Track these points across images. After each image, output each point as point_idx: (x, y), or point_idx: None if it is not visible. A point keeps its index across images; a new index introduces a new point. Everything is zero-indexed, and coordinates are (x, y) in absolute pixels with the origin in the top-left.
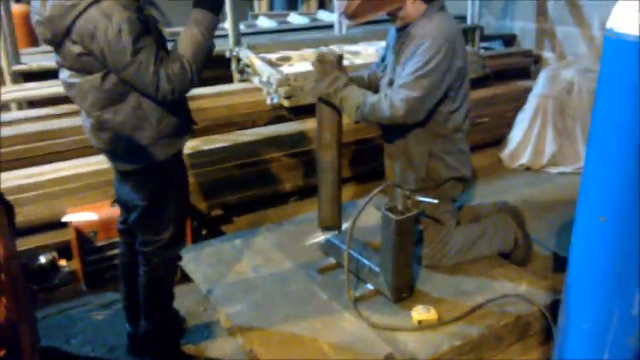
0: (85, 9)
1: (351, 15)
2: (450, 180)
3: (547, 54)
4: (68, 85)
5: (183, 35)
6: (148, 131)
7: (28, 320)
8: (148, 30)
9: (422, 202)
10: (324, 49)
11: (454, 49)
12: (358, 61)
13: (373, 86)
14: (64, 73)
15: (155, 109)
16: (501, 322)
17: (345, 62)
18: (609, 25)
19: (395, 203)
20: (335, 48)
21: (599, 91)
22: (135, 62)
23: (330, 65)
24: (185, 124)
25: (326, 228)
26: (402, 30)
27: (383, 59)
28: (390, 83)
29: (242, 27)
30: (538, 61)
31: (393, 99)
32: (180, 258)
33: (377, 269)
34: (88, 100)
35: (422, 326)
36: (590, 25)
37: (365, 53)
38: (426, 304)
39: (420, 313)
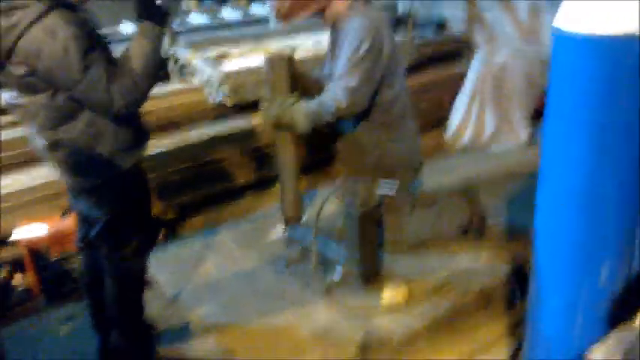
0: (27, 28)
1: (282, 16)
2: (401, 168)
3: (477, 37)
4: (14, 106)
5: (132, 47)
6: (104, 146)
7: None
8: (94, 44)
9: (381, 193)
10: (261, 44)
11: (380, 32)
12: (298, 54)
13: (321, 85)
14: (8, 94)
15: (109, 124)
16: (467, 296)
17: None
18: (556, 24)
19: (355, 195)
20: (272, 42)
21: (551, 89)
22: (85, 79)
23: (281, 69)
24: (141, 133)
25: (288, 220)
26: (333, 27)
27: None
28: (329, 77)
29: (175, 25)
30: (469, 45)
31: (334, 92)
32: (147, 266)
33: (343, 258)
34: (37, 121)
35: (393, 308)
36: (516, 9)
37: (303, 47)
38: (394, 285)
39: (389, 295)
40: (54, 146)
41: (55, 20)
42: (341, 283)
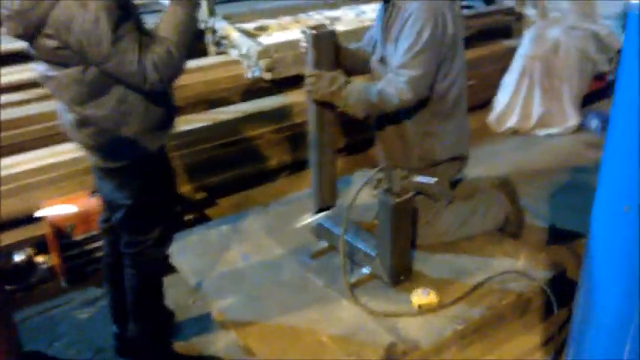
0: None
1: None
2: (446, 160)
3: (529, 11)
4: (46, 79)
5: (166, 17)
6: (133, 125)
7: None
8: (127, 15)
9: (419, 183)
10: (302, 15)
11: (443, 16)
12: (340, 27)
13: (361, 59)
14: (41, 66)
15: (141, 102)
16: (503, 301)
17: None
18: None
19: (391, 184)
20: (314, 14)
21: (621, 74)
22: (116, 53)
23: (328, 37)
24: (170, 114)
25: (319, 208)
26: (388, 2)
27: (372, 36)
28: (381, 60)
29: None
30: (520, 18)
31: (397, 83)
32: (168, 257)
33: (373, 253)
34: (68, 95)
35: (422, 311)
36: None
37: (346, 19)
38: (425, 286)
39: (419, 297)
40: (82, 123)
41: None
42: (368, 279)
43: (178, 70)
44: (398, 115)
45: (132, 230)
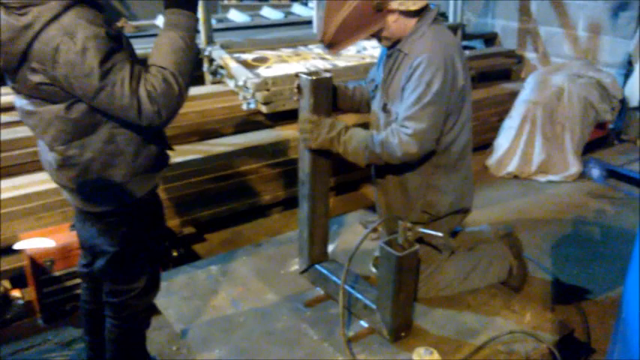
0: (42, 28)
1: (329, 44)
2: (449, 214)
3: (530, 54)
4: (26, 114)
5: (161, 43)
6: (121, 168)
7: None
8: (118, 46)
9: (425, 233)
10: (302, 48)
11: (454, 66)
12: (340, 63)
13: (357, 100)
14: (22, 100)
15: (131, 141)
16: None
17: (327, 64)
18: None
19: (394, 236)
20: (314, 47)
21: None
22: (107, 85)
23: (324, 84)
24: (163, 154)
25: (311, 254)
26: (392, 48)
27: (372, 79)
28: (384, 108)
29: (213, 22)
30: (520, 61)
31: (400, 135)
32: (153, 306)
33: (373, 306)
34: (50, 132)
35: None
36: (574, 26)
37: (346, 54)
38: (427, 343)
39: (421, 356)
40: (64, 164)
41: (74, 18)
42: (367, 333)
43: (178, 102)
44: (400, 166)
45: (115, 279)
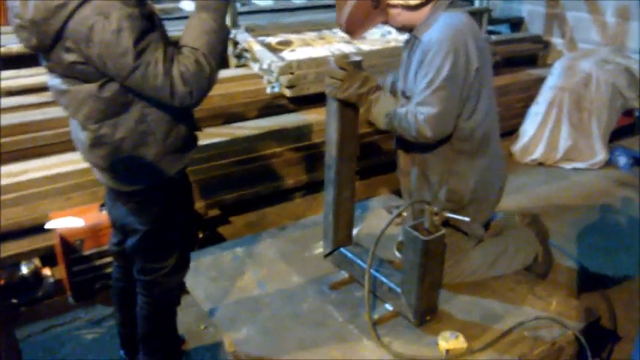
0: (76, 8)
1: (347, 31)
2: (475, 205)
3: (556, 40)
4: (59, 93)
5: (192, 24)
6: (152, 147)
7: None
8: (152, 26)
9: (451, 218)
10: (326, 32)
11: (466, 49)
12: (364, 47)
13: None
14: (55, 80)
15: (162, 121)
16: (535, 350)
17: (352, 48)
18: None
19: (420, 220)
20: (338, 31)
21: None
22: (140, 65)
23: (356, 66)
24: (192, 135)
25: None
26: (410, 34)
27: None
28: (403, 94)
29: (237, 5)
30: (546, 47)
31: (417, 118)
32: (184, 284)
33: (398, 289)
34: (82, 111)
35: (450, 356)
36: (602, 11)
37: (371, 38)
38: (452, 328)
39: (447, 340)
40: (96, 143)
41: None
42: (392, 316)
43: (209, 83)
44: (423, 154)
45: (147, 257)
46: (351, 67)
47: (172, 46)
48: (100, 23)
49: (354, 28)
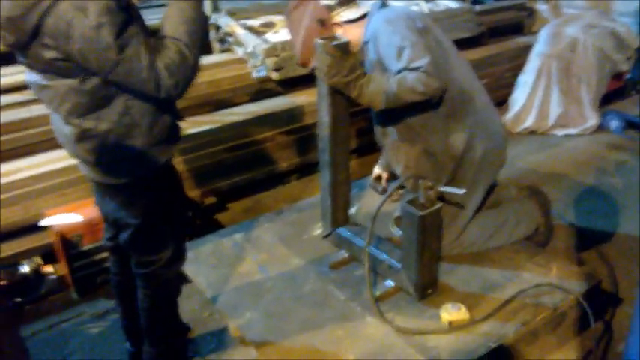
0: (53, 4)
1: (302, 64)
2: (474, 172)
3: (541, 6)
4: (40, 88)
5: (171, 14)
6: (138, 139)
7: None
8: (131, 18)
9: (446, 192)
10: None
11: (404, 17)
12: None
13: None
14: (34, 76)
15: (146, 113)
16: (537, 316)
17: None
18: None
19: (415, 195)
20: None
21: None
22: (124, 60)
23: (342, 50)
24: (176, 125)
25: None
26: (362, 51)
27: None
28: None
29: None
30: (532, 14)
31: (417, 74)
32: (183, 274)
33: (398, 265)
34: (65, 106)
35: (453, 328)
36: None
37: None
38: (453, 300)
39: (449, 312)
40: (81, 136)
41: None
42: (393, 292)
43: (193, 72)
44: (418, 135)
45: (142, 250)
46: (339, 52)
47: (152, 37)
48: (79, 19)
49: (308, 56)
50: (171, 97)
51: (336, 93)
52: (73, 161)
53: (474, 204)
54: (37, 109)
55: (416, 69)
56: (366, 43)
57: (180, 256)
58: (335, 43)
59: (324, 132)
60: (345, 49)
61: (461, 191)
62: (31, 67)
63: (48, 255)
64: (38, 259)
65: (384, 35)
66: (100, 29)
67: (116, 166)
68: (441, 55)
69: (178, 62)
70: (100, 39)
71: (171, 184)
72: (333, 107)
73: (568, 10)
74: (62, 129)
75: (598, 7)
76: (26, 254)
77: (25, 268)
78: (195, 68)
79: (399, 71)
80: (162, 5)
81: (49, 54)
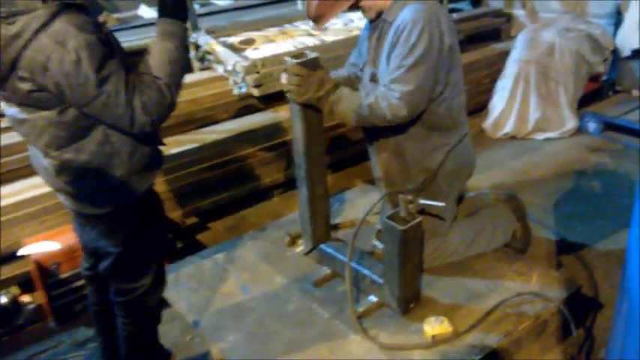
0: (32, 37)
1: (314, 18)
2: (450, 180)
3: (518, 12)
4: (18, 122)
5: (155, 52)
6: (119, 168)
7: None
8: (111, 52)
9: (426, 205)
10: (288, 26)
11: (440, 27)
12: (328, 38)
13: (356, 86)
14: (11, 109)
15: (126, 141)
16: (519, 326)
17: (315, 40)
18: None
19: (396, 209)
20: (300, 24)
21: None
22: (102, 94)
23: (311, 67)
24: (158, 153)
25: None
26: (376, 20)
27: (354, 63)
28: (372, 79)
29: (197, 7)
30: (509, 20)
31: (389, 98)
32: (163, 301)
33: (380, 280)
34: (43, 140)
35: (437, 341)
36: None
37: (334, 28)
38: (436, 313)
39: (433, 326)
40: (61, 168)
41: (64, 26)
42: (376, 308)
43: (170, 111)
44: (396, 134)
45: (122, 278)
46: (305, 70)
47: (133, 65)
48: (58, 53)
49: (323, 12)
50: (145, 132)
51: (308, 108)
52: (49, 188)
53: (452, 213)
54: (17, 136)
55: (394, 90)
56: (390, 22)
57: (160, 284)
58: (301, 60)
59: (298, 148)
60: (313, 64)
61: (441, 204)
62: (8, 100)
63: (25, 284)
64: (15, 289)
65: (404, 34)
66: (78, 64)
67: (97, 197)
68: (447, 73)
69: (156, 100)
70: (79, 74)
71: (152, 210)
72: (305, 124)
73: (544, 14)
74: (41, 161)
75: (575, 9)
76: (4, 284)
77: (2, 299)
78: (172, 107)
79: (384, 85)
80: (145, 25)
81: (25, 86)
